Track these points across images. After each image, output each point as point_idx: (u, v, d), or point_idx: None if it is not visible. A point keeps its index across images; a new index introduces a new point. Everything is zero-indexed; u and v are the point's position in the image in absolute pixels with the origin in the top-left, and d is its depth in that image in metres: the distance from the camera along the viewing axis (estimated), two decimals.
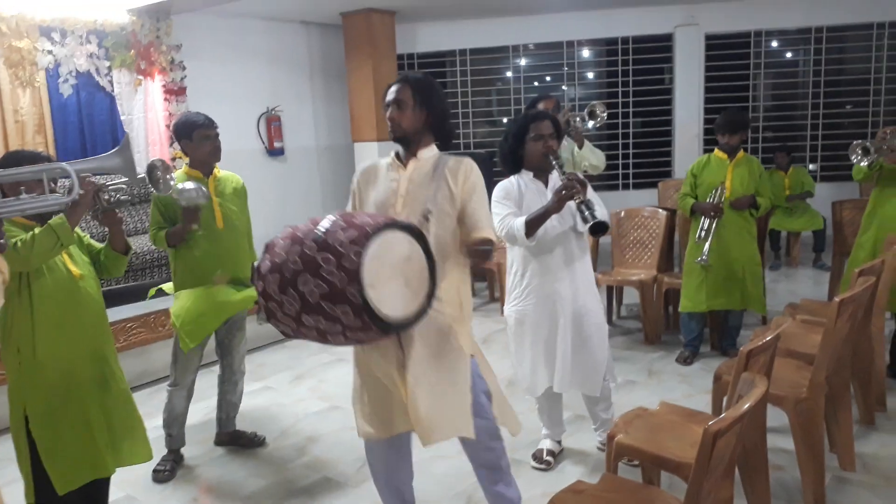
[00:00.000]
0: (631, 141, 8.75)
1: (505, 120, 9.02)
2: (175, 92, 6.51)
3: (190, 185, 3.30)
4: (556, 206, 2.99)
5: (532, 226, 3.06)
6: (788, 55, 8.71)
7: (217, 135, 3.49)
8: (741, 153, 4.53)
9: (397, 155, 2.53)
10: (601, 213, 2.94)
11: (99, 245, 2.89)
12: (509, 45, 8.70)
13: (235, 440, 3.79)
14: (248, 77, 7.51)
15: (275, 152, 7.78)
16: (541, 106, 4.68)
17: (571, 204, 3.07)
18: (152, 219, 3.48)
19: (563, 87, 8.78)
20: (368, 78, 7.61)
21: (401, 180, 2.50)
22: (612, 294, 5.59)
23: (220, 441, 3.81)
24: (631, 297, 6.15)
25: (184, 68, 6.55)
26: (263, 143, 7.70)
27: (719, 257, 4.49)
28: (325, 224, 2.07)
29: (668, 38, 8.50)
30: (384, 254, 2.06)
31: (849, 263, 4.59)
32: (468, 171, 2.51)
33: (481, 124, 9.12)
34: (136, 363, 4.70)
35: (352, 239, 2.01)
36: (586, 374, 3.25)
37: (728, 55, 8.47)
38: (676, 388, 4.29)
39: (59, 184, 3.27)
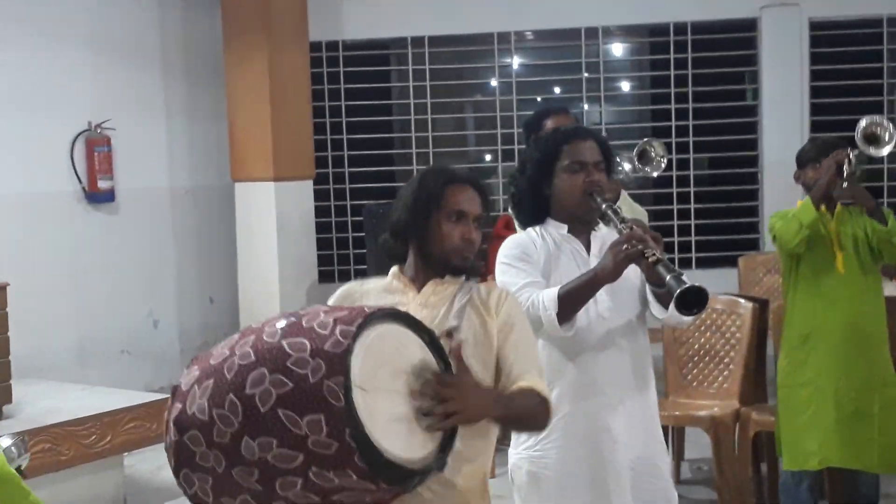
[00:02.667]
0: (692, 190, 8.82)
1: (488, 157, 9.11)
2: None
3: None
4: (612, 268, 3.03)
5: (570, 301, 3.10)
6: None
7: None
8: (839, 205, 4.77)
9: (401, 272, 2.81)
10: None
11: None
12: (494, 33, 8.80)
13: None
14: (56, 72, 7.48)
15: (99, 197, 7.72)
16: (549, 125, 4.84)
17: (636, 279, 3.18)
18: None
19: (583, 105, 8.86)
20: (261, 80, 7.68)
21: (409, 305, 2.71)
22: (667, 440, 5.51)
23: None
24: (698, 445, 6.09)
25: None
26: (80, 181, 7.63)
27: (832, 372, 4.66)
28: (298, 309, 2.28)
29: (751, 24, 8.68)
30: (385, 348, 2.23)
31: None
32: (503, 294, 2.79)
33: (448, 158, 9.20)
34: None
35: (339, 318, 2.18)
36: None
37: (846, 55, 8.64)
38: None
39: None
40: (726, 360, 5.50)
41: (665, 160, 4.81)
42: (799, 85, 8.51)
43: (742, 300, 5.52)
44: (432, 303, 2.72)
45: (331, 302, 2.80)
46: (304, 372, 2.08)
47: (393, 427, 2.19)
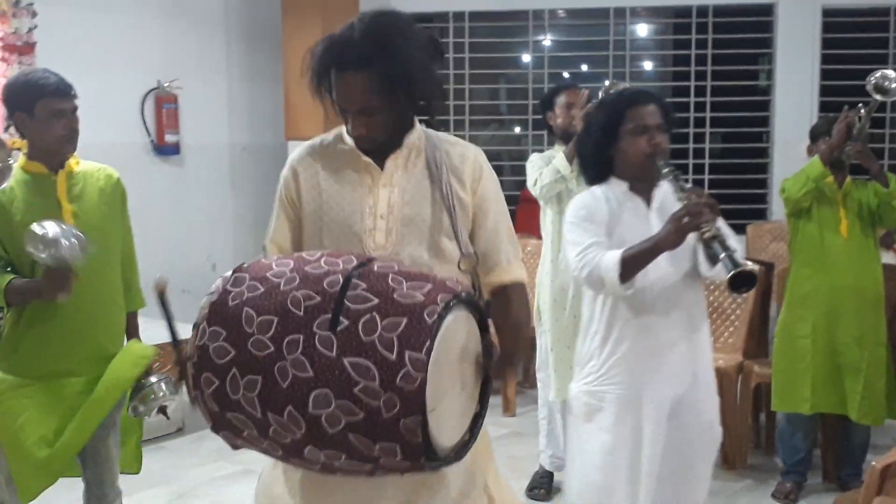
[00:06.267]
0: (707, 162, 9.43)
1: (517, 128, 9.86)
2: (18, 49, 7.07)
3: (57, 229, 3.36)
4: (672, 237, 3.32)
5: (632, 265, 3.37)
6: None
7: (75, 109, 3.67)
8: (849, 179, 5.17)
9: (357, 140, 2.73)
10: (742, 256, 3.27)
11: None
12: (529, 10, 9.50)
13: None
14: (130, 34, 8.04)
15: (166, 149, 8.42)
16: (560, 100, 5.47)
17: (691, 238, 3.40)
18: None
19: (606, 82, 9.19)
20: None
21: (377, 188, 2.68)
22: None
23: None
24: None
25: (34, 14, 7.15)
26: (149, 134, 8.33)
27: (828, 327, 5.15)
28: (343, 289, 2.16)
29: (768, 10, 9.30)
30: (445, 353, 2.18)
31: None
32: (477, 165, 2.73)
33: (482, 125, 9.96)
34: None
35: (400, 332, 2.08)
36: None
37: (856, 41, 9.15)
38: None
39: None
40: (732, 317, 6.03)
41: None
42: (810, 68, 9.17)
43: (750, 263, 5.28)
44: (405, 183, 2.71)
45: (294, 164, 2.82)
46: (376, 404, 2.05)
47: (450, 419, 2.25)
